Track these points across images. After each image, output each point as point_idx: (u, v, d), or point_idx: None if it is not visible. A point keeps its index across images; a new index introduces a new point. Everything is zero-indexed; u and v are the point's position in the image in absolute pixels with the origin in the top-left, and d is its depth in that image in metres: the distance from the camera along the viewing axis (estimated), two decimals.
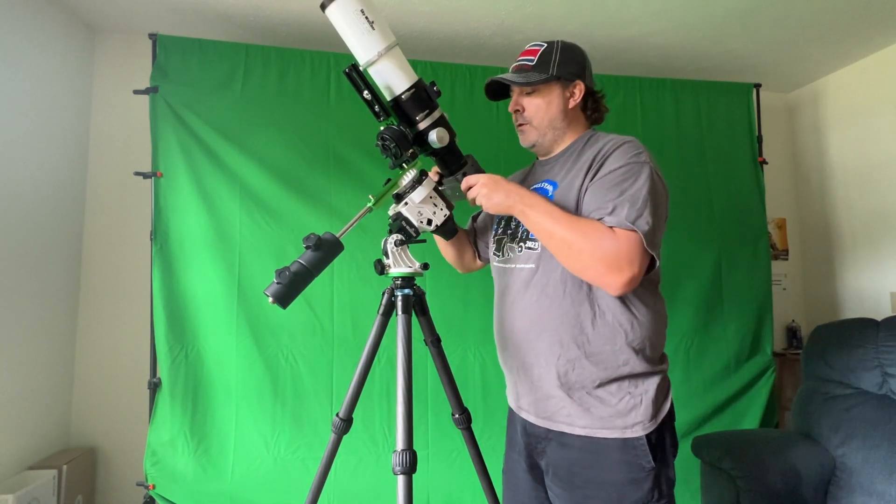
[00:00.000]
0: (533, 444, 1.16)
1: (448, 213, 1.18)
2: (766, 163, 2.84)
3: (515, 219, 1.17)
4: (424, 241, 1.18)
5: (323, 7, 1.03)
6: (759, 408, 2.57)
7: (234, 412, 2.11)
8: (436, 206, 1.16)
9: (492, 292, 1.33)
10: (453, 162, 1.17)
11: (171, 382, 2.07)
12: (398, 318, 1.10)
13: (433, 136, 1.10)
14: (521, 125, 1.20)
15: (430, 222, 1.16)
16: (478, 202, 1.10)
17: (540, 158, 1.27)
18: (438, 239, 1.38)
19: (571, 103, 1.17)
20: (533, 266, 1.13)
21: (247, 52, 2.24)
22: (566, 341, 1.07)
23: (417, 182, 1.12)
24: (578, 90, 1.17)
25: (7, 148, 1.92)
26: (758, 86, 2.86)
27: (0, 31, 1.89)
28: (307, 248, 0.98)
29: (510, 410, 1.28)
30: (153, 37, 2.16)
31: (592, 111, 1.21)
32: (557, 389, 1.08)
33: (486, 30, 2.40)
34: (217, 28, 2.33)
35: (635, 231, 0.97)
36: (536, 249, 1.13)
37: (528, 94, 1.17)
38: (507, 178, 1.33)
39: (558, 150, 1.21)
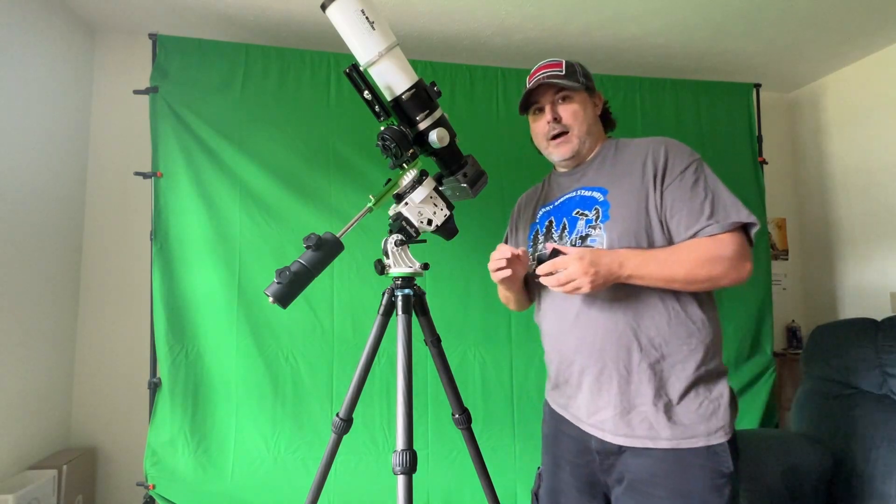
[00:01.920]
0: (598, 462, 1.09)
1: (448, 213, 1.18)
2: (766, 163, 2.84)
3: (557, 231, 1.16)
4: (425, 241, 1.18)
5: (323, 7, 1.03)
6: (759, 408, 2.57)
7: (234, 412, 2.11)
8: (436, 206, 1.16)
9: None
10: (453, 162, 1.17)
11: (171, 382, 2.07)
12: (398, 318, 1.11)
13: (433, 136, 1.10)
14: (559, 135, 1.17)
15: (430, 222, 1.16)
16: (583, 290, 0.99)
17: (560, 170, 1.26)
18: (504, 294, 1.29)
19: (597, 112, 1.22)
20: None
21: (247, 53, 2.23)
22: (645, 345, 1.03)
23: (418, 182, 1.13)
24: (599, 100, 1.23)
25: (7, 148, 1.92)
26: (758, 86, 2.85)
27: (0, 31, 1.89)
28: (307, 247, 0.99)
29: (554, 428, 1.21)
30: (153, 37, 2.16)
31: (606, 121, 1.26)
32: (639, 399, 1.03)
33: (486, 30, 2.39)
34: (217, 28, 2.33)
35: (735, 230, 1.02)
36: None
37: (563, 100, 1.17)
38: (521, 195, 1.35)
39: (589, 157, 1.21)
